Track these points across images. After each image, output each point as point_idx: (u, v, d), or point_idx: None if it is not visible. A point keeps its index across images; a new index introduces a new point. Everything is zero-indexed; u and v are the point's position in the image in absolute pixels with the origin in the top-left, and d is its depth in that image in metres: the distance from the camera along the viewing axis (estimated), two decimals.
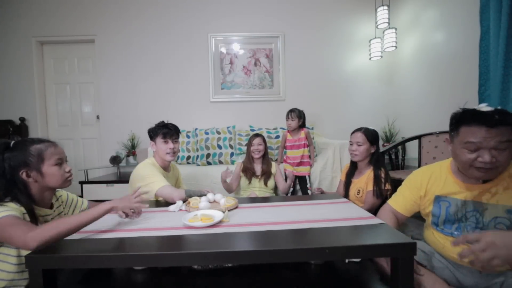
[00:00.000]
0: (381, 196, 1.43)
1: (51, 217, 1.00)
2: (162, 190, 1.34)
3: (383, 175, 1.45)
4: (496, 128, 0.79)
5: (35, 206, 0.94)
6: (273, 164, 2.06)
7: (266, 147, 2.03)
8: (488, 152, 0.80)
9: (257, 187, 1.95)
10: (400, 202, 1.09)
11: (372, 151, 1.52)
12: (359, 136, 1.52)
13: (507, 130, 0.79)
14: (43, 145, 0.95)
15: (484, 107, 0.83)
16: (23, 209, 0.87)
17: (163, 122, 1.58)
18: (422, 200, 1.04)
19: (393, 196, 1.14)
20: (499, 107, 0.83)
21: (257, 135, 2.04)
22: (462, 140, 0.85)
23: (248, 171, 1.96)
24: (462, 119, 0.86)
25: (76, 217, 0.81)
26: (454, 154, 0.91)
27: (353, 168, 1.61)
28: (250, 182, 1.96)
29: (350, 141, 1.56)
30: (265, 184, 1.95)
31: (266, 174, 1.96)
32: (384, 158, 2.44)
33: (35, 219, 0.89)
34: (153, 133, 1.53)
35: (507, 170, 0.88)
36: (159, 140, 1.50)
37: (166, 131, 1.51)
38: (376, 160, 1.51)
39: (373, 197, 1.42)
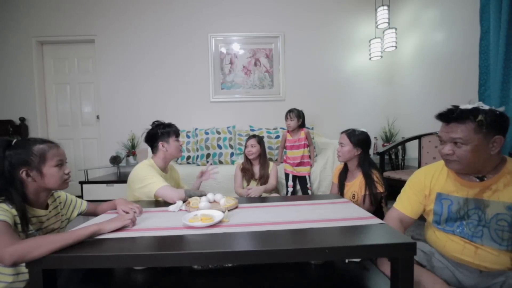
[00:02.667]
0: (375, 201, 1.42)
1: (46, 217, 0.99)
2: (161, 191, 1.33)
3: (375, 178, 1.44)
4: (450, 124, 0.88)
5: (30, 207, 0.93)
6: (271, 164, 2.04)
7: (262, 149, 2.00)
8: (446, 145, 0.90)
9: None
10: (407, 205, 1.07)
11: (357, 153, 1.50)
12: (342, 137, 1.55)
13: (463, 128, 0.85)
14: (46, 145, 0.94)
15: (464, 105, 0.88)
16: (14, 211, 0.85)
17: (159, 121, 1.58)
18: (427, 199, 1.03)
19: (398, 199, 1.11)
20: (481, 106, 0.86)
21: (253, 136, 2.00)
22: None
23: (247, 172, 1.95)
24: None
25: (60, 236, 0.78)
26: None
27: (345, 170, 1.61)
28: (248, 184, 1.96)
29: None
30: None
31: (264, 178, 1.94)
32: (384, 160, 2.43)
33: (25, 222, 0.88)
34: (165, 134, 1.53)
35: (506, 167, 0.88)
36: (173, 139, 1.53)
37: (176, 129, 1.57)
38: (362, 163, 1.50)
39: (363, 203, 1.42)
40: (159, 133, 1.53)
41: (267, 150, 2.52)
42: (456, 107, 0.89)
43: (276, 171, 2.03)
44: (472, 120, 0.83)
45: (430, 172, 1.04)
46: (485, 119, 0.82)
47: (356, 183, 1.50)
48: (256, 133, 2.67)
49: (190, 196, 1.30)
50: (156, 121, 1.59)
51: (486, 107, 0.85)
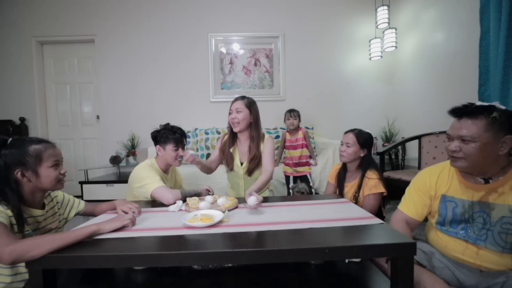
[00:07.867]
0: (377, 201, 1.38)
1: (43, 217, 0.98)
2: (156, 191, 1.32)
3: (375, 176, 1.39)
4: (462, 120, 0.86)
5: (26, 207, 0.92)
6: (266, 138, 1.50)
7: (254, 116, 1.43)
8: (453, 141, 0.88)
9: (240, 178, 1.55)
10: (411, 207, 1.05)
11: (362, 154, 1.45)
12: (350, 138, 1.44)
13: (474, 125, 0.83)
14: (42, 145, 0.93)
15: (480, 103, 0.86)
16: (9, 212, 0.84)
17: (168, 125, 1.52)
18: (433, 200, 1.01)
19: (403, 201, 1.09)
20: (497, 105, 0.84)
21: (241, 97, 1.46)
22: None
23: (227, 155, 1.49)
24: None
25: (59, 235, 0.78)
26: None
27: (344, 170, 1.55)
28: (231, 169, 1.54)
29: (341, 141, 1.50)
30: (249, 174, 1.50)
31: (255, 159, 1.44)
32: (384, 160, 2.43)
33: (21, 223, 0.87)
34: (163, 139, 1.47)
35: None
36: (170, 147, 1.45)
37: (178, 137, 1.46)
38: (365, 165, 1.44)
39: (375, 201, 1.37)
40: (158, 136, 1.49)
41: None
42: (472, 103, 0.87)
43: (272, 147, 1.45)
44: (486, 116, 0.82)
45: (436, 173, 1.02)
46: (500, 117, 0.81)
47: (356, 184, 1.47)
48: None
49: (186, 196, 1.29)
50: (168, 123, 1.52)
51: (503, 107, 0.84)
